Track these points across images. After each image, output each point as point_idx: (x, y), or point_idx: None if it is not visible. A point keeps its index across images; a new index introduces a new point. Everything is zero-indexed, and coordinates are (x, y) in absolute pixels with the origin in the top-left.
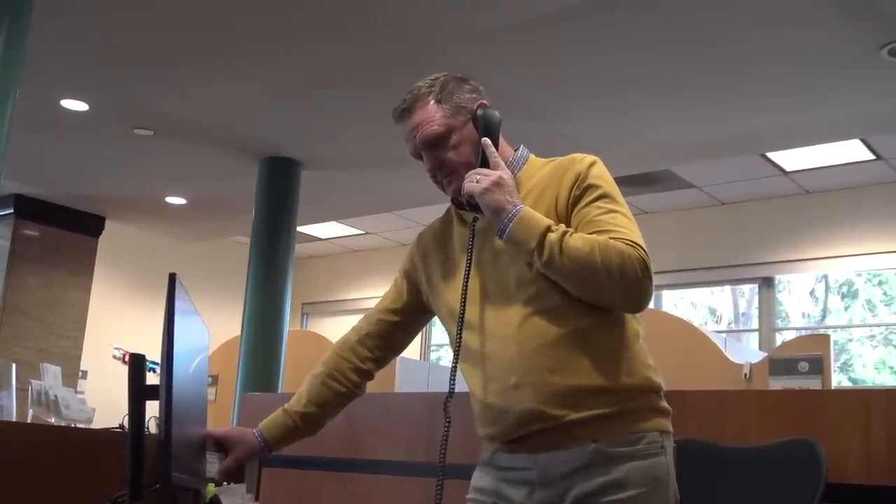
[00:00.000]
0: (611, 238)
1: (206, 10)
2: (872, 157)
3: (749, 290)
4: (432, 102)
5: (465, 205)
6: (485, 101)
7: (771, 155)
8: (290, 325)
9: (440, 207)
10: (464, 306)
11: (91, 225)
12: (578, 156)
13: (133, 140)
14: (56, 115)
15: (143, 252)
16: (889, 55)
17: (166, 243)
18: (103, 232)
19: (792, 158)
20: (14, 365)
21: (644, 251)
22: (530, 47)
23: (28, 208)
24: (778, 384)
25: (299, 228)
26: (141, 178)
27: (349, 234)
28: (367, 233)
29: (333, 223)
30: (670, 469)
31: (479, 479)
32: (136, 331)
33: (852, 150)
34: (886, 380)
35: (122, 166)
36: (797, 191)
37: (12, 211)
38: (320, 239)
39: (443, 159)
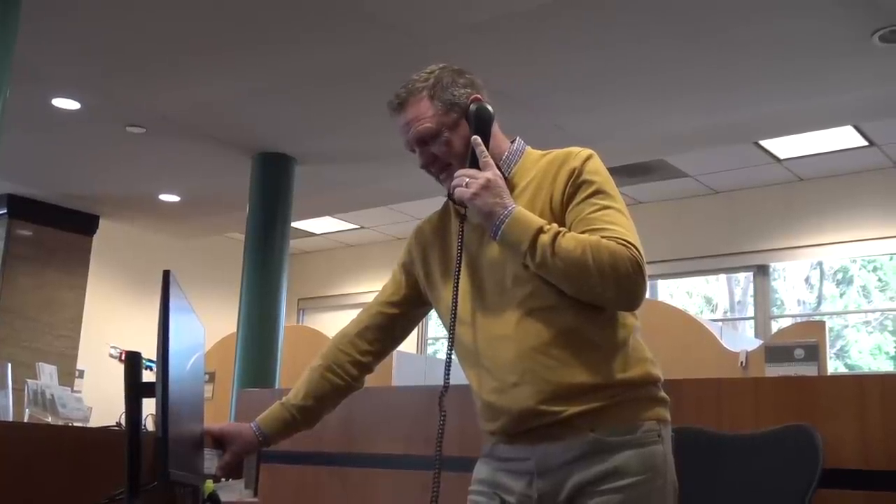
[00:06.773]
0: (603, 237)
1: (197, 6)
2: (865, 143)
3: (744, 279)
4: (425, 98)
5: (458, 202)
6: (479, 96)
7: (764, 143)
8: (286, 320)
9: (435, 201)
10: (455, 302)
11: (85, 224)
12: (574, 150)
13: (125, 138)
14: (48, 114)
15: (138, 250)
16: (881, 41)
17: (160, 241)
18: (97, 230)
19: (785, 146)
20: (9, 365)
21: (637, 249)
22: (523, 39)
23: (21, 208)
24: (774, 371)
25: (294, 224)
26: (134, 175)
27: (344, 228)
28: (361, 227)
29: (328, 218)
30: (668, 457)
31: (481, 470)
32: (132, 329)
33: (845, 137)
34: (882, 366)
35: (115, 164)
36: (791, 178)
37: (5, 211)
38: (315, 234)
39: (435, 155)
